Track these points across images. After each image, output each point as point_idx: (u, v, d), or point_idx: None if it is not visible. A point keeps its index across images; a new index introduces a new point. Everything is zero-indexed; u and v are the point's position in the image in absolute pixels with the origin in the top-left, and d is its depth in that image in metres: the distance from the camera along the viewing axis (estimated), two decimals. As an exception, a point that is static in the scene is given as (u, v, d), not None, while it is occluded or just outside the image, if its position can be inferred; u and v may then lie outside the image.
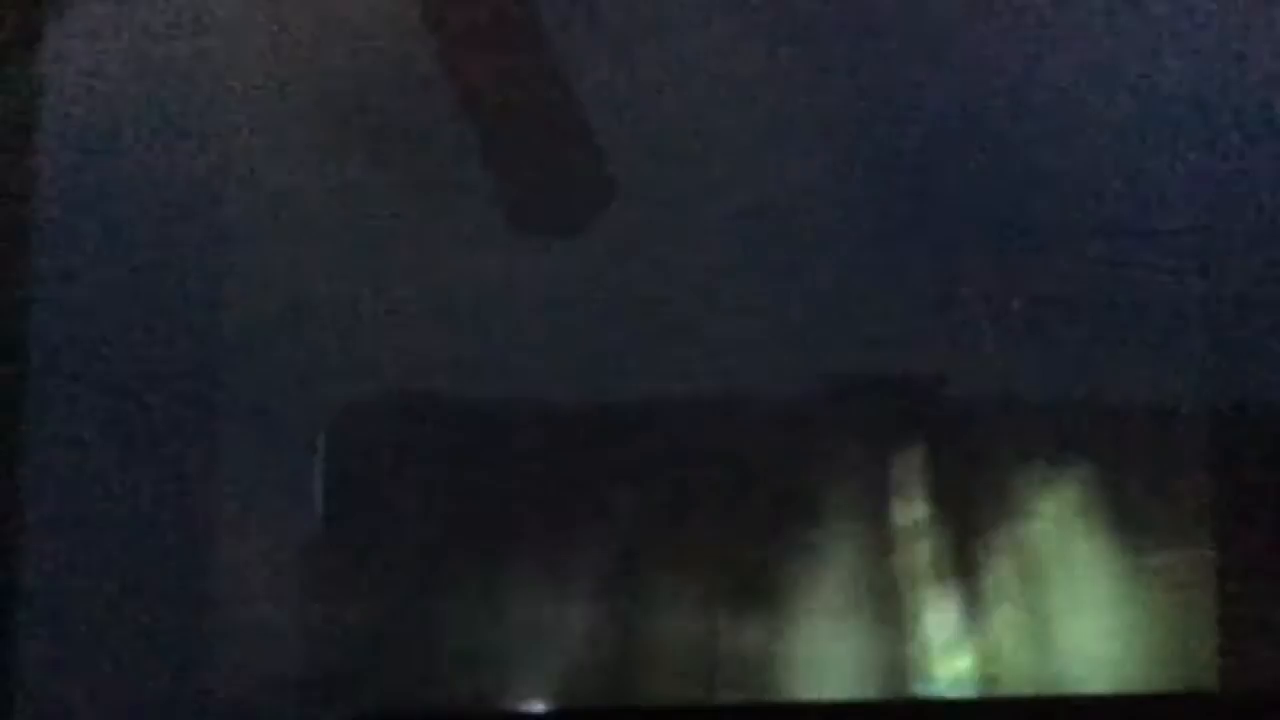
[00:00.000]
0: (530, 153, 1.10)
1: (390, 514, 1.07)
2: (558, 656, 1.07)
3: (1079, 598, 1.12)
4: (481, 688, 1.07)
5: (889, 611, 1.10)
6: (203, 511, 1.04)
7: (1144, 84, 1.13)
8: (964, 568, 1.11)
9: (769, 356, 1.10)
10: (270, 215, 1.07)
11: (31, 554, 1.02)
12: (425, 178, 1.08)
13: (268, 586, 1.05)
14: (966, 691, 1.10)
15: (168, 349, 1.05)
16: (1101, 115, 1.13)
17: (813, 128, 1.12)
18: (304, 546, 1.06)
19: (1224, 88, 1.14)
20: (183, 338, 1.05)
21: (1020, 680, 1.11)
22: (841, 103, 1.12)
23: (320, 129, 1.07)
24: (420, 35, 1.09)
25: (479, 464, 1.08)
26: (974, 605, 1.11)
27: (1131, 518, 1.12)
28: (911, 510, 1.11)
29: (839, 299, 1.11)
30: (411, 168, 1.08)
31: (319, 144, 1.07)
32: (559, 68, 1.09)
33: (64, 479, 1.03)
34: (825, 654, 1.09)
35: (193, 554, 1.04)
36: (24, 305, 1.04)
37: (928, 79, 1.12)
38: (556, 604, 1.08)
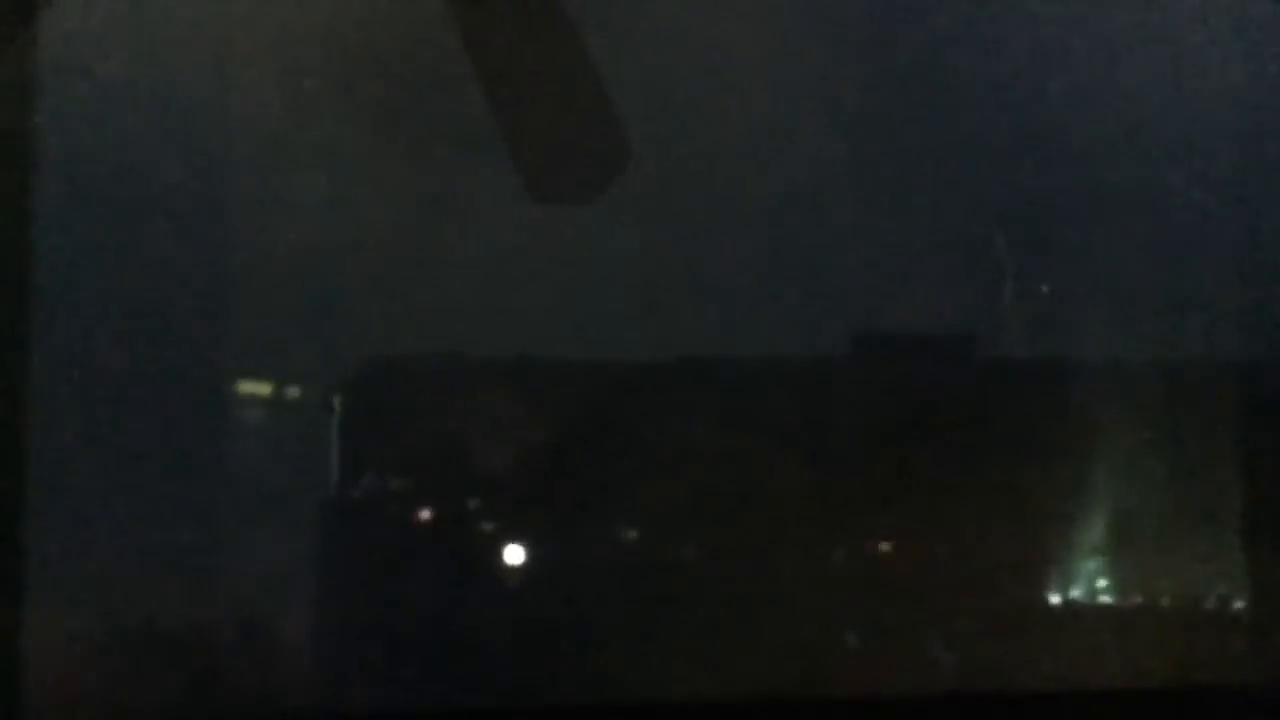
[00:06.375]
0: (547, 122, 1.10)
1: (405, 474, 1.06)
2: (583, 624, 1.07)
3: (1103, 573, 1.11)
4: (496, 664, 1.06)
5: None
6: (216, 475, 1.04)
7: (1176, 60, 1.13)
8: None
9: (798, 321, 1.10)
10: (287, 185, 1.07)
11: (35, 543, 1.01)
12: (445, 146, 1.08)
13: (279, 558, 1.04)
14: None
15: (173, 308, 1.04)
16: (1134, 90, 1.12)
17: (840, 101, 1.11)
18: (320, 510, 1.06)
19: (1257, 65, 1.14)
20: (198, 303, 1.05)
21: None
22: (870, 73, 1.12)
23: (340, 102, 1.07)
24: (441, 8, 1.08)
25: (498, 424, 1.07)
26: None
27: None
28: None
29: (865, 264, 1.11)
30: (433, 136, 1.08)
31: (339, 117, 1.07)
32: (576, 39, 1.08)
33: (72, 461, 1.02)
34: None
35: (205, 519, 1.03)
36: (29, 277, 1.03)
37: (962, 51, 1.12)
38: (575, 565, 1.07)
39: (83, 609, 1.02)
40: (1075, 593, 1.11)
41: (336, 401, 1.06)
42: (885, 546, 1.11)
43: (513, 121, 1.08)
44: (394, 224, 1.07)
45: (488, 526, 1.08)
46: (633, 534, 1.09)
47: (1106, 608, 1.11)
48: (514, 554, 1.07)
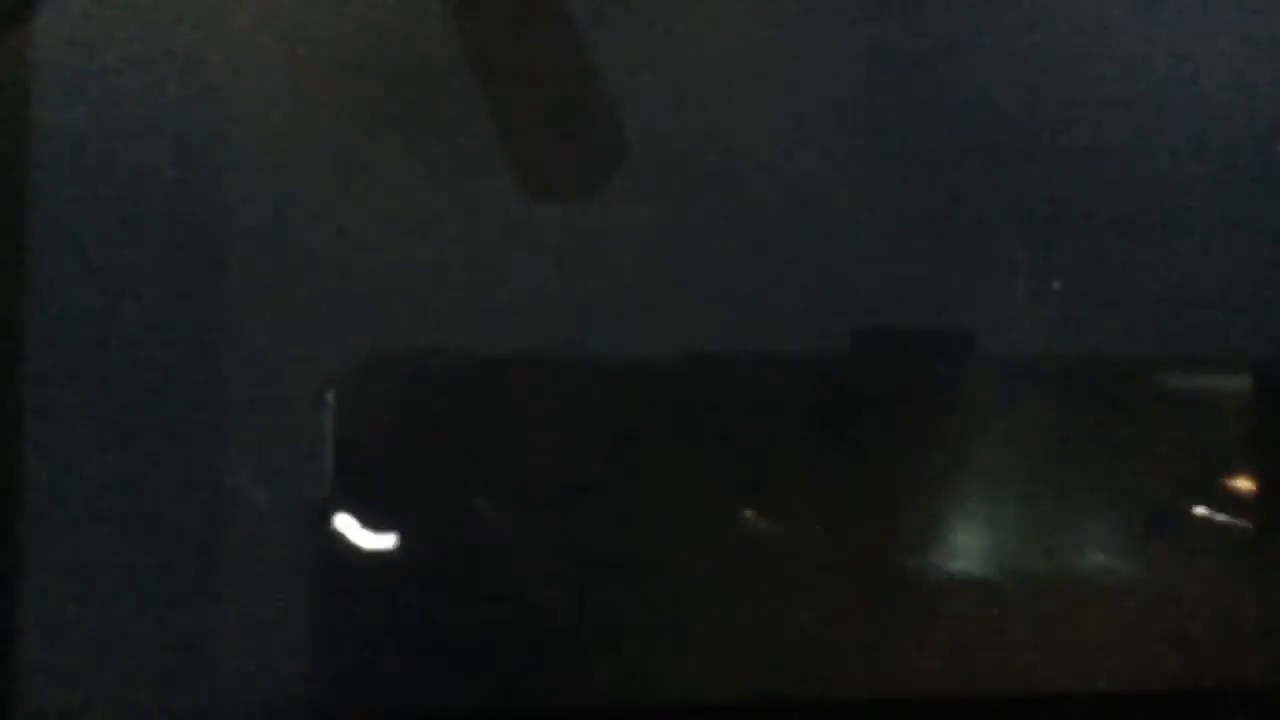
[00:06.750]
0: (546, 120, 1.09)
1: (400, 472, 1.06)
2: (584, 625, 1.06)
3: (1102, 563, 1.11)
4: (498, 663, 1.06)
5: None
6: (209, 473, 1.03)
7: (1180, 60, 1.13)
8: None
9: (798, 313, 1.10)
10: (285, 182, 1.06)
11: (30, 543, 1.01)
12: (442, 139, 1.08)
13: (275, 555, 1.04)
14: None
15: (171, 304, 1.04)
16: (1141, 90, 1.12)
17: (844, 95, 1.11)
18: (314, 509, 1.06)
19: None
20: (197, 301, 1.04)
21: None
22: (873, 67, 1.12)
23: (334, 92, 1.07)
24: (440, 6, 1.08)
25: (490, 420, 1.07)
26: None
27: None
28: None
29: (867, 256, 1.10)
30: (427, 130, 1.08)
31: (333, 107, 1.07)
32: (574, 31, 1.08)
33: (63, 457, 1.02)
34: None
35: (199, 517, 1.03)
36: (22, 271, 1.02)
37: (967, 46, 1.12)
38: (570, 559, 1.07)
39: (76, 610, 1.02)
40: (1075, 594, 1.11)
41: (332, 399, 1.06)
42: (885, 546, 1.11)
43: (512, 119, 1.08)
44: (393, 223, 1.07)
45: (487, 526, 1.08)
46: (633, 533, 1.09)
47: (1107, 609, 1.11)
48: (514, 553, 1.07)
